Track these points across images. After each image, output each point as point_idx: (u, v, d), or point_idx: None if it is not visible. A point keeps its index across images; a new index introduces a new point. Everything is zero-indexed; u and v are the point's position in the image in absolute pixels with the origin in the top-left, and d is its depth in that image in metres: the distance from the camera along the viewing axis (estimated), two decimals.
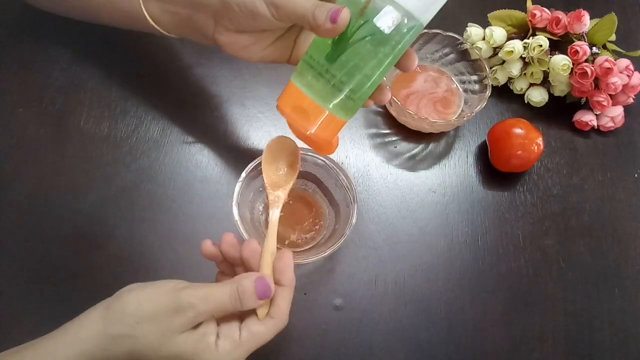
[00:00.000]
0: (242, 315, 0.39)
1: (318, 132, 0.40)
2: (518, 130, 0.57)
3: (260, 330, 0.38)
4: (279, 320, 0.38)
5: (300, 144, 0.46)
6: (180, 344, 0.35)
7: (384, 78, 0.39)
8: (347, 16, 0.34)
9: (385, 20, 0.34)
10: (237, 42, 0.42)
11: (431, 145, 0.61)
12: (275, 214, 0.44)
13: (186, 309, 0.35)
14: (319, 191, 0.55)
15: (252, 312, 0.38)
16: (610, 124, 0.61)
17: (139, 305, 0.35)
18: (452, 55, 0.62)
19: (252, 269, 0.40)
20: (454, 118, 0.60)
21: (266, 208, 0.54)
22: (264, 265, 0.40)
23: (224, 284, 0.37)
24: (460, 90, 0.63)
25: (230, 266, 0.42)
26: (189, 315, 0.35)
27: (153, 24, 0.45)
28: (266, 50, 0.43)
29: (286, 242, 0.52)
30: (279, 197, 0.45)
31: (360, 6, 0.35)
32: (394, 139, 0.61)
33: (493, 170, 0.59)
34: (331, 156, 0.51)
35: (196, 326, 0.36)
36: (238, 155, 0.57)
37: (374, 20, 0.34)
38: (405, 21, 0.34)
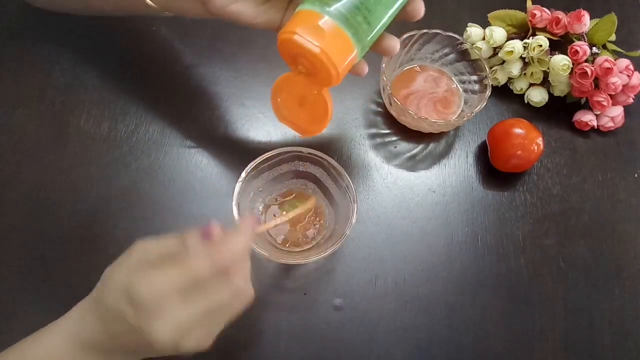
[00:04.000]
0: None
1: (329, 50, 0.37)
2: (518, 130, 0.57)
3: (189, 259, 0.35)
4: (212, 254, 0.35)
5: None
6: (118, 270, 0.35)
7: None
8: None
9: None
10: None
11: (431, 145, 0.61)
12: (277, 219, 0.46)
13: (136, 246, 0.35)
14: (319, 191, 0.55)
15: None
16: (610, 124, 0.61)
17: (117, 264, 0.36)
18: (452, 55, 0.62)
19: None
20: (454, 118, 0.60)
21: (265, 208, 0.54)
22: None
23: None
24: (460, 90, 0.63)
25: None
26: (133, 248, 0.35)
27: None
28: (260, 7, 0.40)
29: (287, 245, 0.52)
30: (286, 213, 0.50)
31: None
32: (394, 139, 0.61)
33: (493, 170, 0.59)
34: (331, 156, 0.51)
35: None
36: (238, 155, 0.57)
37: None
38: None
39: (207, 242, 0.35)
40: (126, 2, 0.47)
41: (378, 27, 0.38)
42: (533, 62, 0.61)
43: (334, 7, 0.36)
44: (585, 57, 0.58)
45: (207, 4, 0.40)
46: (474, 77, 0.61)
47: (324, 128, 0.44)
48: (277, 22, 0.42)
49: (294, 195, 0.55)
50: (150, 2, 0.45)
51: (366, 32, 0.37)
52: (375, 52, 0.42)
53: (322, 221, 0.54)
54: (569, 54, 0.58)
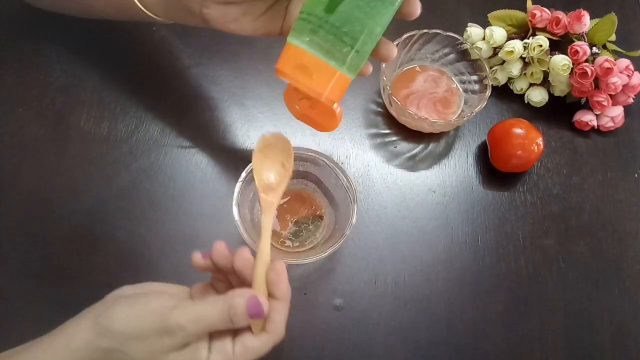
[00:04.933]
0: (236, 330, 0.37)
1: (323, 88, 0.37)
2: (518, 130, 0.57)
3: (255, 344, 0.36)
4: (274, 334, 0.37)
5: (299, 141, 0.46)
6: (162, 350, 0.34)
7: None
8: None
9: None
10: (226, 14, 0.40)
11: (431, 145, 0.61)
12: (267, 220, 0.40)
13: (175, 331, 0.34)
14: (319, 191, 0.55)
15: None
16: (610, 124, 0.61)
17: (127, 323, 0.34)
18: (452, 55, 0.62)
19: (245, 279, 0.38)
20: (454, 118, 0.60)
21: None
22: (257, 278, 0.37)
23: (215, 301, 0.35)
24: (460, 90, 0.63)
25: (224, 273, 0.40)
26: (179, 337, 0.34)
27: (140, 6, 0.44)
28: (257, 21, 0.41)
29: (280, 241, 0.52)
30: (271, 202, 0.41)
31: None
32: (394, 139, 0.61)
33: (493, 170, 0.59)
34: (331, 156, 0.51)
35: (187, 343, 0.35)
36: (238, 155, 0.57)
37: None
38: None
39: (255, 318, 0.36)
40: (129, 12, 0.46)
41: (368, 51, 0.37)
42: (533, 62, 0.61)
43: (319, 43, 0.36)
44: (585, 57, 0.58)
45: (208, 22, 0.41)
46: (474, 77, 0.61)
47: (337, 126, 0.43)
48: (278, 29, 0.43)
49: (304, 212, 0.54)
50: (154, 16, 0.46)
51: (355, 59, 0.37)
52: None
53: (320, 211, 0.54)
54: (569, 54, 0.58)
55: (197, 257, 0.39)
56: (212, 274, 0.42)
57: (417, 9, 0.36)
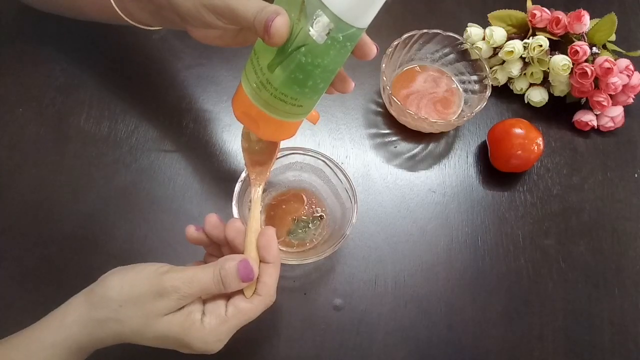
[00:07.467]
0: (229, 294, 0.38)
1: (271, 137, 0.40)
2: (518, 130, 0.57)
3: (247, 306, 0.37)
4: (266, 297, 0.38)
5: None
6: (165, 325, 0.35)
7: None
8: (282, 26, 0.31)
9: (317, 28, 0.31)
10: (208, 34, 0.42)
11: (431, 145, 0.61)
12: (257, 192, 0.43)
13: (170, 292, 0.35)
14: (319, 191, 0.55)
15: (239, 290, 0.38)
16: (610, 124, 0.61)
17: (121, 289, 0.35)
18: (452, 55, 0.62)
19: (237, 248, 0.40)
20: (454, 118, 0.60)
21: (265, 207, 0.54)
22: (248, 245, 0.39)
23: (207, 266, 0.37)
24: (460, 90, 0.63)
25: (217, 247, 0.42)
26: (173, 299, 0.35)
27: (124, 17, 0.45)
28: (239, 36, 0.43)
29: (283, 238, 0.52)
30: (260, 172, 0.44)
31: (298, 10, 0.31)
32: (394, 139, 0.61)
33: (493, 170, 0.59)
34: (331, 156, 0.51)
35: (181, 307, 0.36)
36: (238, 155, 0.57)
37: (307, 27, 0.31)
38: (338, 29, 0.31)
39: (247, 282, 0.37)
40: (120, 20, 0.47)
41: (316, 99, 0.37)
42: (533, 62, 0.61)
43: (263, 99, 0.36)
44: (585, 57, 0.58)
45: (192, 34, 0.43)
46: (474, 77, 0.61)
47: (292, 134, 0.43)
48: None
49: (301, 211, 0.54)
50: (144, 27, 0.47)
51: (301, 110, 0.37)
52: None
53: (323, 209, 0.54)
54: (569, 54, 0.58)
55: (191, 230, 0.41)
56: (205, 248, 0.43)
57: (372, 52, 0.36)
